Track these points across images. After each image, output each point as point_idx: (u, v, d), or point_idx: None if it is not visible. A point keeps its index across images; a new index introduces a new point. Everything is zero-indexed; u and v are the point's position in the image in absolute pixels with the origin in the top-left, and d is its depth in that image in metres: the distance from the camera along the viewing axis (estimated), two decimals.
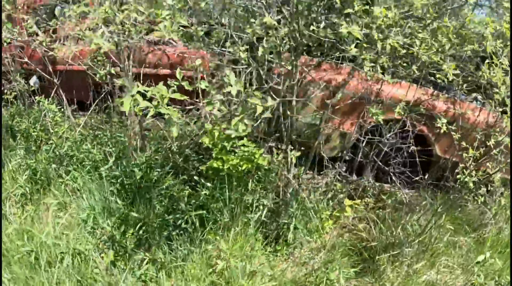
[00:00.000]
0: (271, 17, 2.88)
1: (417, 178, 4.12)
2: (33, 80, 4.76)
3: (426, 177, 4.19)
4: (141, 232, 3.32)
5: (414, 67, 3.41)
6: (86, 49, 4.35)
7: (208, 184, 3.36)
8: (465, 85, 3.89)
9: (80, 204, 3.58)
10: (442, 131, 3.61)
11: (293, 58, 2.95)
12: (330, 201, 3.91)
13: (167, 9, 2.57)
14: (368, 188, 4.18)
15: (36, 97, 4.19)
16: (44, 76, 4.49)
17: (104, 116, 4.46)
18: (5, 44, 4.12)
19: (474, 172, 3.27)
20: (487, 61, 3.42)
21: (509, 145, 3.44)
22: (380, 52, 2.88)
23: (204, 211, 3.28)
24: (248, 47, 3.44)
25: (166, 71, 4.57)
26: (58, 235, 3.39)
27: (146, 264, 3.17)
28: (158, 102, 2.00)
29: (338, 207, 3.90)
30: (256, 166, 3.41)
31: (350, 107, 4.08)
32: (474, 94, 4.30)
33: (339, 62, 4.17)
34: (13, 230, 3.44)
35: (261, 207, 3.53)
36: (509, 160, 3.49)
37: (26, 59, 4.42)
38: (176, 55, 4.48)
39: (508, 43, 3.37)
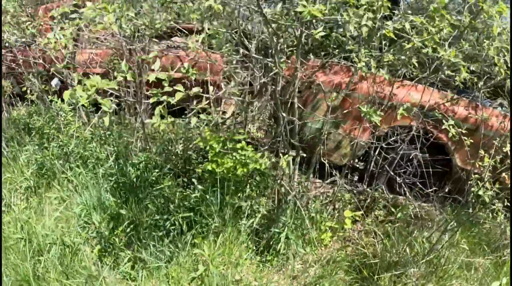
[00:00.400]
0: None
1: (430, 191, 3.79)
2: (55, 81, 4.94)
3: (443, 189, 3.86)
4: (129, 230, 3.30)
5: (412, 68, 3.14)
6: (103, 53, 4.48)
7: (200, 186, 3.31)
8: (483, 88, 3.63)
9: (77, 199, 3.62)
10: (456, 138, 3.33)
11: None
12: (336, 212, 3.74)
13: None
14: (379, 200, 3.90)
15: (49, 97, 4.33)
16: (63, 79, 4.65)
17: (116, 117, 4.54)
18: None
19: (490, 184, 3.00)
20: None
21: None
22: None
23: (191, 214, 3.22)
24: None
25: (179, 75, 4.59)
26: (52, 227, 3.44)
27: (129, 262, 3.14)
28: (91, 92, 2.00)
29: (343, 219, 3.70)
30: (253, 170, 3.33)
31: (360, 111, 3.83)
32: (499, 100, 3.95)
33: (350, 64, 3.93)
34: (11, 218, 3.53)
35: (257, 214, 3.44)
36: None
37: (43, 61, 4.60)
38: (189, 59, 4.51)
39: None
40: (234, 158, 3.27)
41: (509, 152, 3.22)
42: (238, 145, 3.35)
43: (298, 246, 3.38)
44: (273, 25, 2.85)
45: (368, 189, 3.94)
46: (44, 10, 4.70)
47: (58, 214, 3.56)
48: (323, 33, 2.51)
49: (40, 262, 3.17)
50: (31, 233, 3.34)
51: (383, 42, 3.38)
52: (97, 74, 4.49)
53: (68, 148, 4.01)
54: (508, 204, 3.41)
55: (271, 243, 3.36)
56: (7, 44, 4.50)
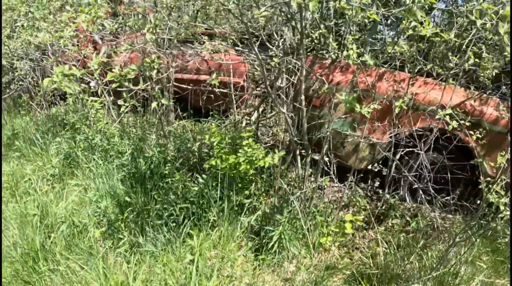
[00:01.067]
0: None
1: (451, 198, 3.55)
2: (93, 83, 5.31)
3: (467, 198, 3.57)
4: (133, 217, 3.48)
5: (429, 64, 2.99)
6: (136, 57, 4.79)
7: (200, 180, 3.44)
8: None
9: (93, 186, 3.88)
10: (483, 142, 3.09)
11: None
12: (344, 216, 3.67)
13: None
14: (397, 208, 3.70)
15: (81, 95, 4.68)
16: (98, 82, 5.00)
17: (143, 115, 4.82)
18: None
19: (502, 188, 2.72)
20: None
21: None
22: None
23: (190, 206, 3.35)
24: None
25: (206, 77, 4.81)
26: (67, 208, 3.71)
27: (127, 245, 3.31)
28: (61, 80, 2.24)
29: (355, 225, 3.59)
30: (258, 167, 3.38)
31: (381, 112, 3.62)
32: None
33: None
34: (31, 199, 3.83)
35: (256, 212, 3.51)
36: None
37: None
38: (215, 62, 4.71)
39: None
40: (238, 154, 3.38)
41: None
42: (244, 142, 3.45)
43: (293, 247, 3.38)
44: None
45: (386, 195, 3.74)
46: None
47: (74, 198, 3.83)
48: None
49: (50, 237, 3.43)
50: (45, 212, 3.62)
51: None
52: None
53: (93, 141, 4.31)
54: None
55: (265, 241, 3.39)
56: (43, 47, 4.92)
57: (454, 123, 3.15)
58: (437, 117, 3.25)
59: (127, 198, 3.49)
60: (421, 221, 3.56)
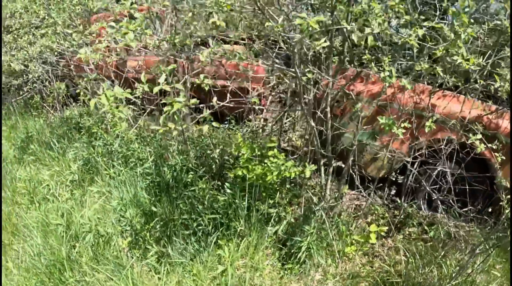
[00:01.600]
0: None
1: (468, 209, 3.58)
2: (106, 86, 5.26)
3: (483, 209, 3.63)
4: (159, 226, 3.47)
5: (449, 77, 3.04)
6: (151, 61, 4.75)
7: (228, 190, 3.45)
8: None
9: (115, 194, 3.86)
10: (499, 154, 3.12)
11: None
12: (367, 226, 3.72)
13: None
14: (414, 217, 3.74)
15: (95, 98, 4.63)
16: (113, 84, 4.97)
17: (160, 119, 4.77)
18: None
19: None
20: None
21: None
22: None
23: (218, 216, 3.36)
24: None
25: (222, 82, 4.77)
26: (90, 217, 3.69)
27: (156, 255, 3.31)
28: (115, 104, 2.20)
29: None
30: (284, 178, 3.40)
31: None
32: None
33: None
34: (54, 206, 3.81)
35: (282, 221, 3.53)
36: None
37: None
38: (232, 67, 4.67)
39: None
40: (264, 165, 3.38)
41: None
42: (270, 153, 3.46)
43: (320, 257, 3.42)
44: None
45: (404, 204, 3.79)
46: (95, 20, 5.06)
47: (97, 206, 3.81)
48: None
49: (75, 247, 3.42)
50: (70, 221, 3.60)
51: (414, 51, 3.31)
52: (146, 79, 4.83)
53: (112, 147, 4.28)
54: None
55: (293, 251, 3.42)
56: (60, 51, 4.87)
57: (477, 136, 3.19)
58: (455, 129, 3.29)
59: (153, 208, 3.48)
60: (438, 230, 3.60)
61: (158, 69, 3.45)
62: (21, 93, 5.69)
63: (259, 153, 3.33)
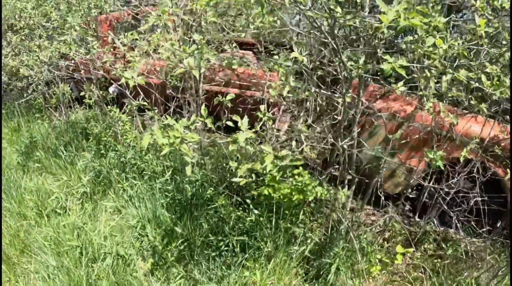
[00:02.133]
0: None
1: (484, 230, 3.60)
2: (112, 88, 5.05)
3: (497, 228, 3.66)
4: (183, 247, 3.35)
5: (483, 105, 3.02)
6: (160, 64, 4.55)
7: (256, 211, 3.33)
8: None
9: (133, 211, 3.70)
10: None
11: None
12: (385, 242, 3.69)
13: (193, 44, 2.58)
14: (430, 233, 3.78)
15: (109, 107, 4.44)
16: (119, 87, 4.75)
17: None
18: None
19: None
20: None
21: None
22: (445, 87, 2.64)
23: (246, 238, 3.25)
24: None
25: (235, 90, 4.62)
26: (107, 235, 3.53)
27: (181, 278, 3.19)
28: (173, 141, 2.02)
29: (392, 250, 3.65)
30: (308, 197, 3.32)
31: (418, 141, 3.73)
32: None
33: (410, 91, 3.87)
34: (67, 224, 3.64)
35: (308, 241, 3.44)
36: None
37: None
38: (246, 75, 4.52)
39: None
40: (291, 184, 3.28)
41: None
42: (295, 171, 3.35)
43: (347, 278, 3.36)
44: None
45: (421, 222, 3.82)
46: (103, 20, 4.82)
47: (112, 223, 3.66)
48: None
49: (93, 269, 3.27)
50: (86, 241, 3.44)
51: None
52: (155, 83, 4.64)
53: (125, 158, 4.10)
54: None
55: (321, 272, 3.34)
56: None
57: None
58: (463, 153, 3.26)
59: (177, 229, 3.35)
60: (454, 247, 3.61)
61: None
62: (24, 95, 5.42)
63: (280, 170, 3.20)
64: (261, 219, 3.33)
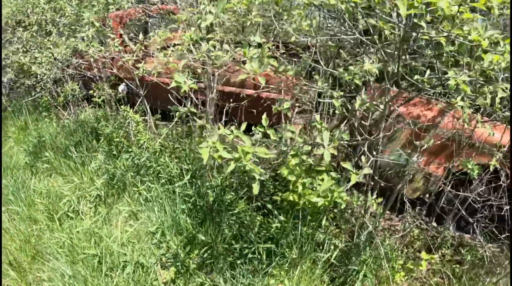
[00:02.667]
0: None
1: (502, 236, 3.54)
2: (122, 87, 4.90)
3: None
4: (206, 254, 3.24)
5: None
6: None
7: (281, 218, 3.24)
8: None
9: (151, 216, 3.58)
10: None
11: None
12: (405, 248, 3.63)
13: (255, 46, 2.43)
14: (447, 238, 3.75)
15: (122, 107, 4.29)
16: (131, 86, 4.61)
17: (185, 129, 4.47)
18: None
19: None
20: None
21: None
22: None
23: (273, 245, 3.15)
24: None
25: (250, 91, 4.51)
26: (124, 242, 3.41)
27: None
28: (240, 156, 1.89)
29: (412, 256, 3.61)
30: (333, 203, 3.24)
31: (439, 147, 3.67)
32: None
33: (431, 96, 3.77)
34: (82, 230, 3.51)
35: (332, 247, 3.36)
36: None
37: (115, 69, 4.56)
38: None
39: None
40: (315, 190, 3.19)
41: None
42: (320, 177, 3.27)
43: (373, 285, 3.29)
44: None
45: (439, 228, 3.78)
46: (114, 17, 4.65)
47: (129, 229, 3.53)
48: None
49: (112, 279, 3.15)
50: (104, 248, 3.31)
51: None
52: (166, 84, 4.49)
53: (139, 160, 3.97)
54: None
55: (348, 279, 3.27)
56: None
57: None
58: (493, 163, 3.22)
59: (200, 236, 3.23)
60: (473, 253, 3.58)
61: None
62: (32, 93, 5.24)
63: (310, 178, 3.11)
64: (286, 225, 3.24)
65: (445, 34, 1.80)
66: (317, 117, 2.44)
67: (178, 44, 3.28)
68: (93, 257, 3.25)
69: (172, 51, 3.23)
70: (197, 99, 4.15)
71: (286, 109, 2.98)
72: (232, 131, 2.13)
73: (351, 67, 2.21)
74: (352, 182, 2.04)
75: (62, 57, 4.32)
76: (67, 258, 3.37)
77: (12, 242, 3.60)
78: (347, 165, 2.09)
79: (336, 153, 2.11)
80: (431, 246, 3.67)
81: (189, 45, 2.73)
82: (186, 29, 3.05)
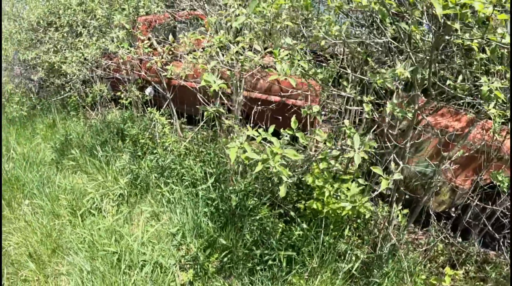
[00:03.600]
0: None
1: None
2: (149, 90, 4.96)
3: None
4: (225, 259, 3.22)
5: None
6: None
7: (304, 226, 3.19)
8: None
9: (172, 217, 3.58)
10: None
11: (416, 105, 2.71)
12: (429, 263, 3.54)
13: (286, 48, 2.42)
14: (472, 254, 3.62)
15: (148, 109, 4.33)
16: (158, 89, 4.65)
17: (210, 133, 4.48)
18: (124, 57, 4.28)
19: None
20: None
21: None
22: None
23: (294, 253, 3.11)
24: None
25: (276, 98, 4.51)
26: (145, 242, 3.41)
27: None
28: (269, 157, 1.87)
29: (435, 271, 3.51)
30: (357, 213, 3.19)
31: (466, 159, 3.57)
32: None
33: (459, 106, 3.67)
34: (103, 227, 3.53)
35: (353, 258, 3.30)
36: None
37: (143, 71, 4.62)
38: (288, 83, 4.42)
39: None
40: (340, 199, 3.14)
41: None
42: (344, 186, 3.22)
43: None
44: None
45: (464, 243, 3.67)
46: (143, 21, 4.72)
47: (150, 229, 3.53)
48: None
49: (130, 277, 3.15)
50: (124, 247, 3.32)
51: None
52: (193, 88, 4.53)
53: (164, 162, 3.98)
54: None
55: None
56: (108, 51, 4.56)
57: None
58: None
59: (221, 240, 3.21)
60: (497, 270, 3.47)
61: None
62: (61, 92, 5.34)
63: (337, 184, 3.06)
64: (308, 233, 3.19)
65: (479, 38, 1.77)
66: (346, 122, 2.39)
67: (207, 47, 3.31)
68: (112, 254, 3.26)
69: (201, 53, 3.26)
70: (223, 104, 4.17)
71: (316, 112, 2.96)
72: (260, 133, 2.12)
73: (382, 70, 2.17)
74: (383, 187, 2.00)
75: (92, 58, 4.40)
76: (86, 254, 3.39)
77: (33, 234, 3.64)
78: (377, 169, 2.06)
79: (366, 157, 2.08)
80: (455, 262, 3.56)
81: (217, 47, 2.72)
82: (214, 34, 3.07)
